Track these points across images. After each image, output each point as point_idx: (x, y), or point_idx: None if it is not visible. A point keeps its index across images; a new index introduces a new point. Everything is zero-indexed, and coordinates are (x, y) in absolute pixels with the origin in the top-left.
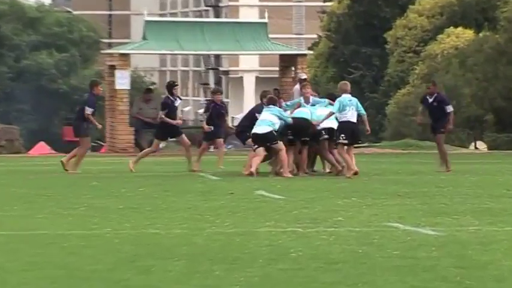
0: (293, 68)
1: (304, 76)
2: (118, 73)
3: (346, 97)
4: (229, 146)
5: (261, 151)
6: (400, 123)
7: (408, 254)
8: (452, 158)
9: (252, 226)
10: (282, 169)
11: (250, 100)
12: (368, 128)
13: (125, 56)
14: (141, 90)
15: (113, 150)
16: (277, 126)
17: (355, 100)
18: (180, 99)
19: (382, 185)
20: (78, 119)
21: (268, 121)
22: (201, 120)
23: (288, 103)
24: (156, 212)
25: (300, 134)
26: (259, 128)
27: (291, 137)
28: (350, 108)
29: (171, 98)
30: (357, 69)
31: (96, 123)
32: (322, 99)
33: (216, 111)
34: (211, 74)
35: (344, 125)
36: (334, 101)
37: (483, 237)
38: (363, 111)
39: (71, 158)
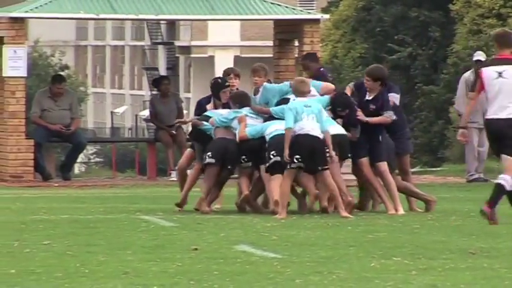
0: (296, 43)
1: (480, 56)
2: (8, 50)
3: (301, 102)
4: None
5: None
6: None
7: None
8: None
9: None
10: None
11: None
12: (332, 152)
13: (19, 22)
14: (46, 78)
15: None
16: None
17: (316, 105)
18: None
19: (443, 237)
20: None
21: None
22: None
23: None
24: (70, 281)
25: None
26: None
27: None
28: (309, 116)
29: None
30: (403, 45)
31: None
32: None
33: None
34: (161, 52)
35: (300, 141)
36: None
37: None
38: (325, 127)
39: None
